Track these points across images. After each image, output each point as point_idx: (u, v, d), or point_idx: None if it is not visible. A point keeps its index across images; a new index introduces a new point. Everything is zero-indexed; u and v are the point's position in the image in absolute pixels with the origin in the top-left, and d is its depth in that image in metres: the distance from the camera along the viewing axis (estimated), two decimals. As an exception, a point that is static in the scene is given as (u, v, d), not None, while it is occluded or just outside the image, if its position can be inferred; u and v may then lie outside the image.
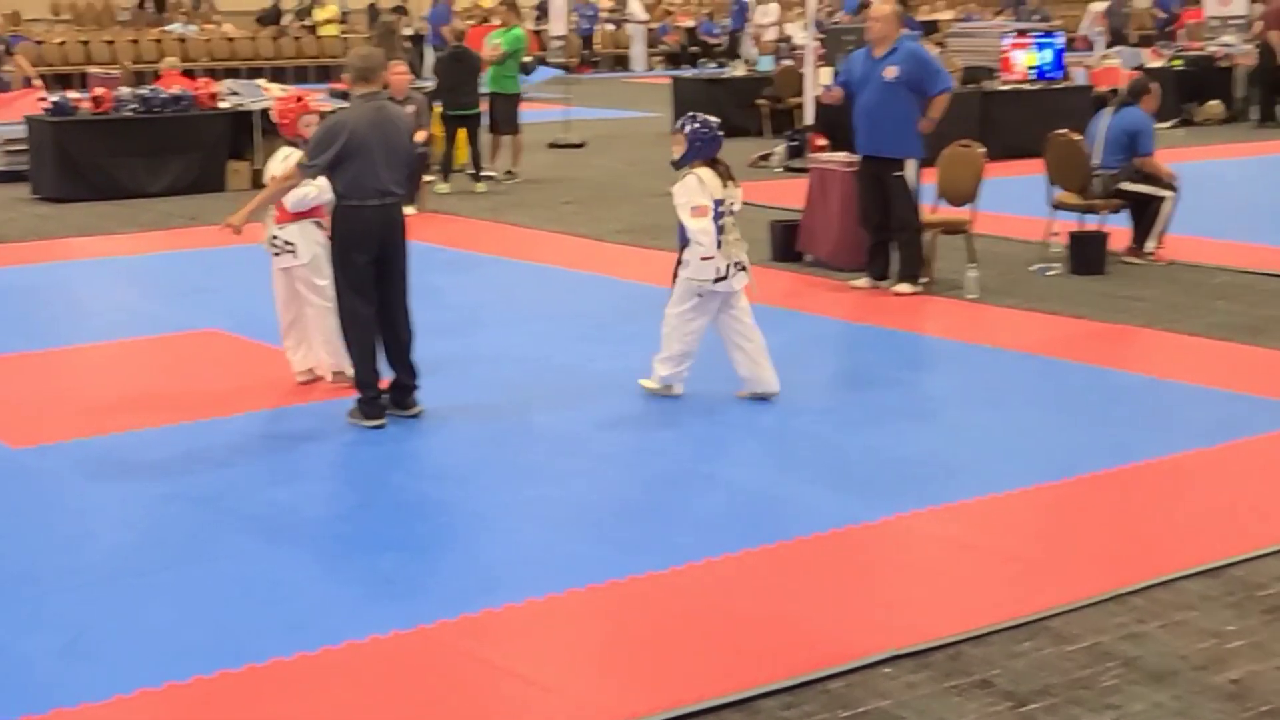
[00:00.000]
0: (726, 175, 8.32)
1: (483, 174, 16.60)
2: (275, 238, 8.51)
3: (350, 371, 8.23)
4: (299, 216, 8.44)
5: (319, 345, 8.58)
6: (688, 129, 8.29)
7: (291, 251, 8.46)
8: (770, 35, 26.96)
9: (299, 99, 8.89)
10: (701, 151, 8.29)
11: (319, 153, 7.86)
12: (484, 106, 16.60)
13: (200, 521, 6.68)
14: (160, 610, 5.73)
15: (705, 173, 8.25)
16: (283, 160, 8.45)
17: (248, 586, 5.94)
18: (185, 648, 5.38)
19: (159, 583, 6.00)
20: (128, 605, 5.78)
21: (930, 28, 23.64)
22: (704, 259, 8.17)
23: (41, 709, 4.93)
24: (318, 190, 8.22)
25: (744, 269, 8.32)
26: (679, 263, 8.33)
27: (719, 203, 8.21)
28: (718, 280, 8.21)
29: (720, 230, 8.18)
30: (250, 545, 6.39)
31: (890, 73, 10.85)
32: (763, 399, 8.36)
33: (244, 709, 4.98)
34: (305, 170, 7.96)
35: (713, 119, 8.43)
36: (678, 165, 8.34)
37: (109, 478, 7.30)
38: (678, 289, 8.34)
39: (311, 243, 8.45)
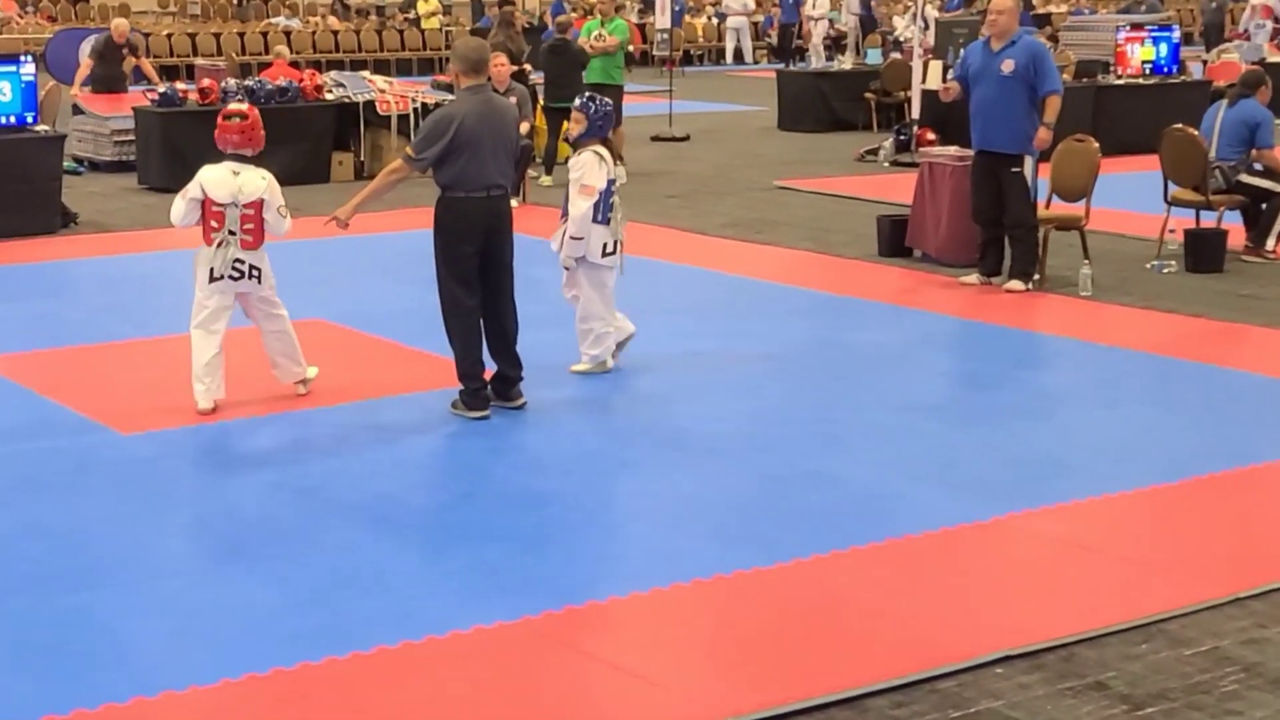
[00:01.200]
0: (616, 154, 8.82)
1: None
2: (240, 261, 7.98)
3: (308, 378, 8.29)
4: (263, 241, 8.05)
5: (281, 358, 8.27)
6: (590, 109, 8.64)
7: (256, 278, 8.06)
8: (821, 29, 26.73)
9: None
10: (600, 130, 8.65)
11: (428, 145, 7.85)
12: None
13: (306, 510, 6.70)
14: (267, 597, 5.75)
15: (605, 151, 8.64)
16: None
17: (353, 575, 5.95)
18: (292, 634, 5.39)
19: (266, 570, 6.02)
20: (236, 591, 5.81)
21: (1043, 21, 23.36)
22: (573, 238, 8.59)
23: (151, 691, 4.97)
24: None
25: (620, 243, 8.80)
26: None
27: (612, 181, 8.62)
28: (605, 255, 8.68)
29: (611, 209, 8.62)
30: (356, 535, 6.40)
31: (1008, 66, 10.67)
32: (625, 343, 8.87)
33: (349, 696, 4.97)
34: (413, 163, 7.94)
35: (608, 100, 8.93)
36: (574, 143, 8.76)
37: (216, 466, 7.36)
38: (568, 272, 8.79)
39: (269, 265, 8.16)
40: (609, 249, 8.68)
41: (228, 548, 6.30)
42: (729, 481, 7.09)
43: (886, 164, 17.75)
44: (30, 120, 13.41)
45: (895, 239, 12.21)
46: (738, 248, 12.84)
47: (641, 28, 27.67)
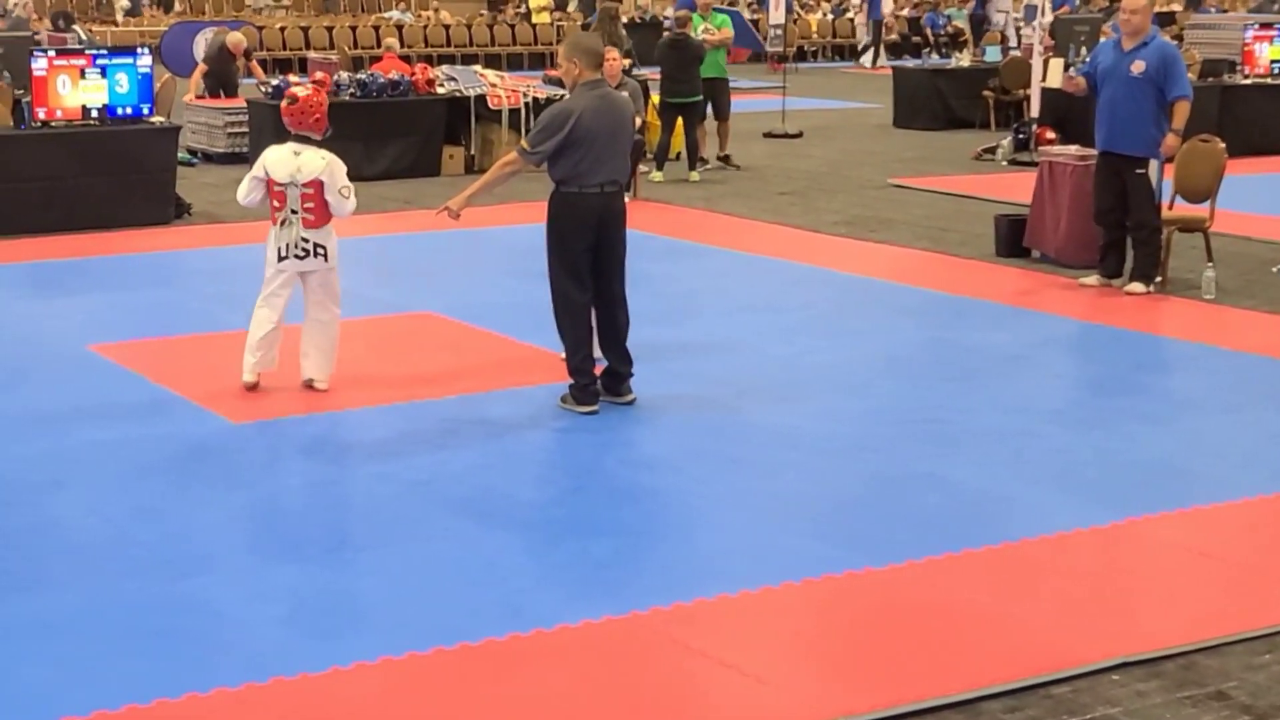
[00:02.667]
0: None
1: (700, 163, 16.53)
2: (305, 240, 8.10)
3: (323, 384, 8.27)
4: (327, 220, 8.16)
5: (314, 349, 8.27)
6: None
7: (322, 255, 8.16)
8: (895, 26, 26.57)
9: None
10: None
11: (544, 139, 7.84)
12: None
13: (415, 501, 6.71)
14: (376, 586, 5.76)
15: None
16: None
17: (462, 567, 5.94)
18: (400, 624, 5.40)
19: (376, 559, 6.03)
20: (345, 580, 5.83)
21: (1167, 19, 22.96)
22: None
23: (261, 677, 5.00)
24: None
25: None
26: None
27: None
28: None
29: None
30: (464, 527, 6.40)
31: (1138, 67, 10.45)
32: None
33: (457, 687, 4.97)
34: (528, 156, 7.93)
35: None
36: None
37: (326, 455, 7.40)
38: None
39: (336, 246, 8.25)
40: None
41: (337, 537, 6.33)
42: (840, 481, 7.01)
43: (1004, 163, 17.51)
44: (146, 112, 13.60)
45: (1013, 239, 12.04)
46: (851, 246, 12.72)
47: (755, 23, 27.52)
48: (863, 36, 34.00)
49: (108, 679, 4.98)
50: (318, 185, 8.07)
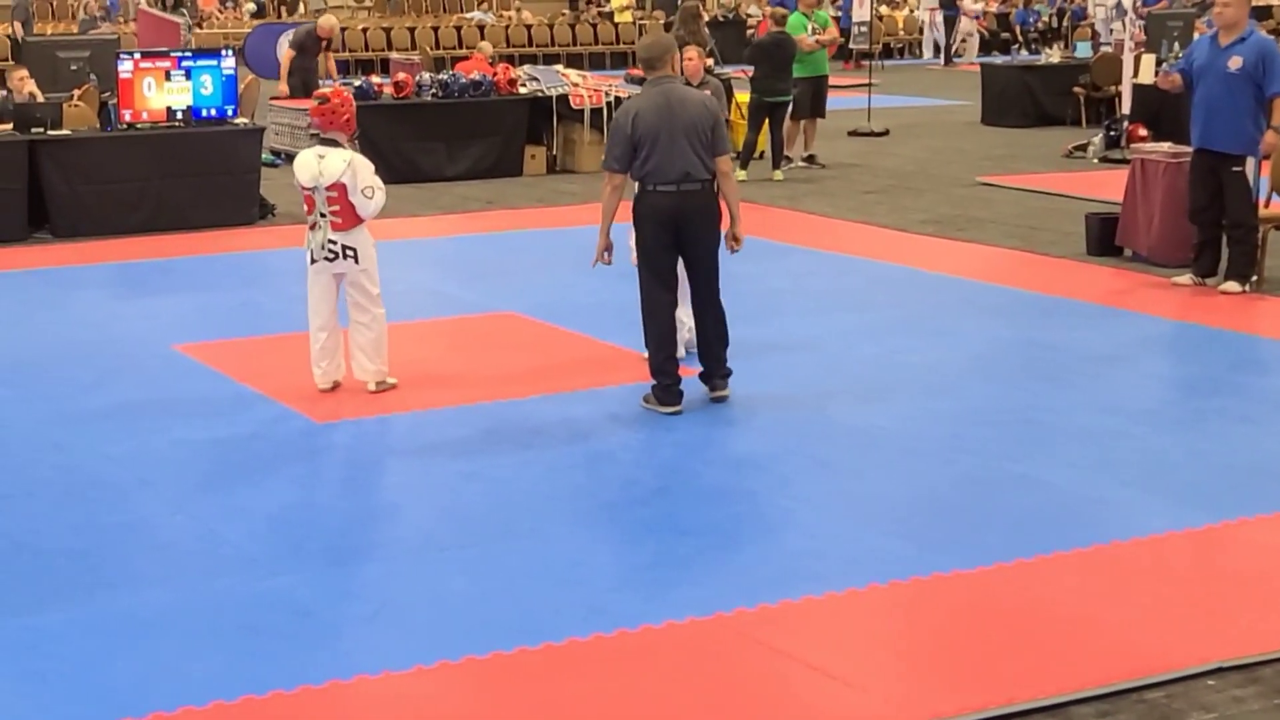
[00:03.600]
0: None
1: (784, 161, 16.44)
2: (333, 242, 8.09)
3: (388, 379, 8.26)
4: (359, 222, 8.13)
5: (360, 352, 8.25)
6: None
7: (352, 258, 8.11)
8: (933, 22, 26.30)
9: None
10: None
11: (614, 145, 7.82)
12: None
13: (499, 500, 6.70)
14: (461, 585, 5.75)
15: None
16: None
17: (547, 566, 5.92)
18: (484, 623, 5.38)
19: (461, 558, 6.02)
20: (430, 579, 5.83)
21: (1264, 13, 22.58)
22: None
23: (346, 674, 5.00)
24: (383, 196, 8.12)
25: None
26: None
27: None
28: None
29: None
30: (548, 526, 6.37)
31: (1235, 63, 10.25)
32: None
33: (540, 687, 4.94)
34: (611, 168, 7.89)
35: None
36: None
37: (410, 454, 7.40)
38: None
39: (370, 247, 8.21)
40: None
41: (421, 536, 6.32)
42: (928, 482, 6.91)
43: (1095, 160, 17.29)
44: (230, 113, 13.72)
45: (1105, 238, 11.86)
46: (939, 245, 12.59)
47: (836, 19, 27.38)
48: (930, 35, 33.37)
49: (195, 676, 5.00)
50: (341, 188, 8.06)
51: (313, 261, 8.18)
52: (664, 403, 7.92)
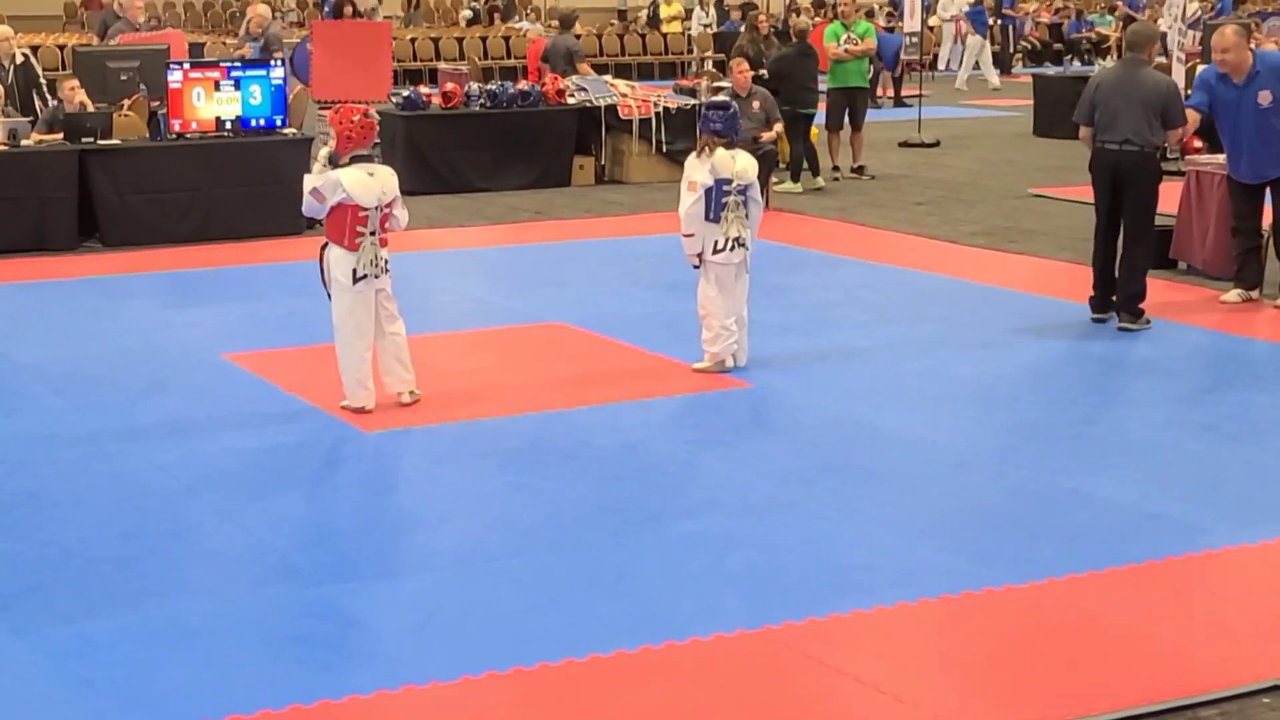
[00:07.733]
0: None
1: (828, 172, 16.35)
2: (379, 259, 8.03)
3: (416, 391, 8.19)
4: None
5: (396, 363, 8.19)
6: (706, 111, 8.89)
7: (388, 271, 8.11)
8: (950, 27, 25.98)
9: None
10: (711, 129, 8.68)
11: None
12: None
13: (547, 511, 6.68)
14: (509, 596, 5.73)
15: (721, 150, 8.62)
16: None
17: (594, 578, 5.90)
18: (532, 634, 5.36)
19: (508, 569, 6.01)
20: (478, 589, 5.81)
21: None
22: (683, 235, 8.68)
23: (393, 684, 4.99)
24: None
25: (743, 245, 8.66)
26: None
27: (725, 181, 8.55)
28: (716, 252, 8.59)
29: (724, 207, 8.57)
30: (595, 537, 6.35)
31: (1265, 98, 10.07)
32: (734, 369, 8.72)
33: (587, 698, 4.92)
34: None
35: (729, 102, 9.18)
36: (698, 151, 8.77)
37: (458, 464, 7.39)
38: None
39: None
40: (719, 245, 8.58)
41: (469, 546, 6.31)
42: (980, 496, 6.85)
43: (1148, 172, 17.10)
44: (279, 123, 13.77)
45: (1159, 250, 11.71)
46: (990, 257, 12.50)
47: (890, 30, 27.24)
48: (947, 48, 32.53)
49: (243, 684, 5.01)
50: (390, 203, 8.08)
51: (355, 280, 8.01)
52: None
